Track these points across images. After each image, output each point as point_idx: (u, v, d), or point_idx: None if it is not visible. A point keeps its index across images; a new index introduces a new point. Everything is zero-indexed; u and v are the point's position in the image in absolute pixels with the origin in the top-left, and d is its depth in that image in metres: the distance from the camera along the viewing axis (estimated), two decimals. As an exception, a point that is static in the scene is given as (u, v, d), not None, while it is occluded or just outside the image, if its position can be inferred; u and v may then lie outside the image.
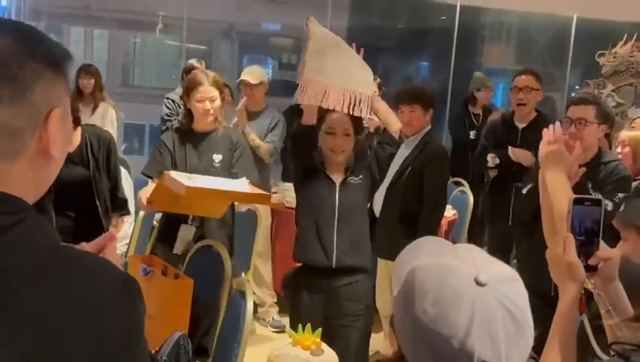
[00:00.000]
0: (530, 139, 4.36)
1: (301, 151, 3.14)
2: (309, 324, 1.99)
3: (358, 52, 3.10)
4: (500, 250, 4.78)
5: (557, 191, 1.58)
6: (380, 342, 4.55)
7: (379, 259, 4.22)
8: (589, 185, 3.23)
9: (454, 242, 4.43)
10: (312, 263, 3.14)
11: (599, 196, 1.56)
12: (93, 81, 5.97)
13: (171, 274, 3.12)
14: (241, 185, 3.37)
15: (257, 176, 3.98)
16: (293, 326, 3.03)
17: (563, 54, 9.13)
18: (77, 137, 3.45)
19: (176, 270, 3.17)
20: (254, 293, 4.27)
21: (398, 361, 1.05)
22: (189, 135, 3.65)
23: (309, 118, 3.04)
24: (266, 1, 11.00)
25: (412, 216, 4.00)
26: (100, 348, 0.88)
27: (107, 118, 5.95)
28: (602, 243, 1.51)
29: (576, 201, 1.52)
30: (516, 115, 4.75)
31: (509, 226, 4.53)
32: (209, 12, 9.72)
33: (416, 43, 11.54)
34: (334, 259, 3.10)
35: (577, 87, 9.12)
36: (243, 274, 4.43)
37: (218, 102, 3.62)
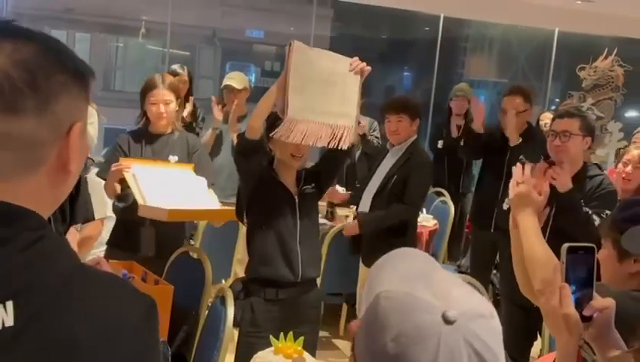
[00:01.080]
0: (521, 149, 4.48)
1: (252, 165, 3.00)
2: (291, 332, 1.98)
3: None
4: (483, 258, 4.82)
5: (528, 233, 1.55)
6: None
7: (362, 268, 4.21)
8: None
9: (435, 253, 4.45)
10: (277, 279, 3.05)
11: (592, 244, 1.52)
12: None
13: (151, 280, 3.09)
14: (207, 197, 3.47)
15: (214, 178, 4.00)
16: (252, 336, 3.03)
17: (544, 67, 9.21)
18: None
19: (156, 276, 3.14)
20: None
21: None
22: (145, 136, 3.63)
23: (257, 132, 2.89)
24: (250, 8, 11.01)
25: (398, 224, 4.02)
26: None
27: (90, 121, 5.90)
28: (595, 293, 1.48)
29: (570, 250, 1.48)
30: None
31: (492, 234, 4.55)
32: (192, 18, 9.71)
33: (400, 53, 11.61)
34: (300, 274, 3.04)
35: (557, 100, 9.21)
36: (223, 281, 4.41)
37: (173, 105, 3.62)
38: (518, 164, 1.75)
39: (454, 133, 6.05)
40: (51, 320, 0.85)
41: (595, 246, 1.50)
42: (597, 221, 3.16)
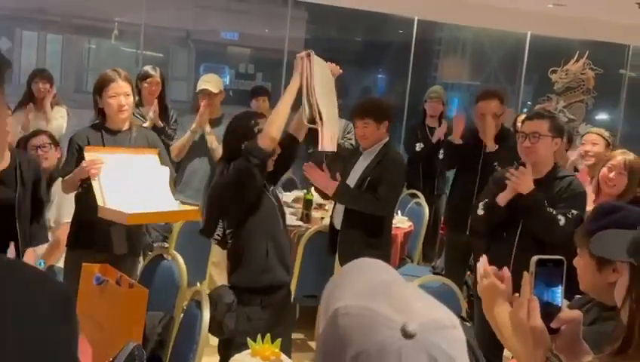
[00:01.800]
0: (495, 153, 4.61)
1: (263, 176, 3.03)
2: (268, 334, 1.98)
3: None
4: (457, 259, 4.86)
5: (505, 330, 1.53)
6: None
7: (337, 269, 4.22)
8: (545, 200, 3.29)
9: (409, 254, 4.46)
10: (275, 283, 3.12)
11: (561, 256, 1.52)
12: (48, 85, 5.85)
13: (126, 284, 3.06)
14: (167, 195, 3.52)
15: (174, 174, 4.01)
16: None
17: (516, 70, 9.32)
18: (6, 158, 3.32)
19: (130, 279, 3.11)
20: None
21: None
22: (103, 133, 3.60)
23: (275, 142, 3.00)
24: (224, 10, 10.97)
25: (374, 225, 4.03)
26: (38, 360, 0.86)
27: (61, 123, 5.83)
28: (564, 306, 1.49)
29: (539, 263, 1.48)
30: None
31: (467, 236, 4.59)
32: (166, 19, 9.64)
33: (374, 56, 11.65)
34: (291, 273, 3.18)
35: (529, 102, 9.31)
36: (198, 284, 4.38)
37: (131, 98, 3.63)
38: (482, 258, 1.68)
39: (436, 138, 6.07)
40: None
41: (564, 259, 1.50)
42: (562, 221, 3.20)
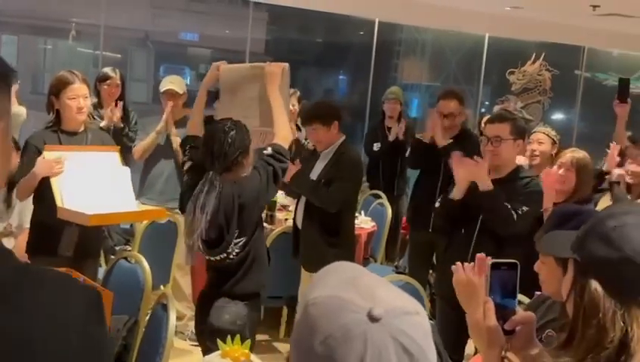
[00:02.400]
0: (453, 149, 4.54)
1: None
2: (237, 336, 1.98)
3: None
4: (420, 256, 4.91)
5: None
6: None
7: (303, 274, 4.23)
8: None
9: (373, 254, 4.49)
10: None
11: (515, 260, 1.57)
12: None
13: (89, 287, 3.03)
14: (129, 195, 3.52)
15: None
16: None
17: (474, 71, 9.45)
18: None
19: (94, 283, 3.08)
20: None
21: None
22: (60, 135, 3.59)
23: None
24: (184, 11, 10.89)
25: (332, 224, 4.05)
26: None
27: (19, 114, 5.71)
28: (518, 308, 1.54)
29: (494, 266, 1.53)
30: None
31: (429, 234, 4.64)
32: (124, 20, 9.54)
33: (335, 57, 11.69)
34: None
35: (487, 102, 9.45)
36: (162, 287, 4.35)
37: (89, 100, 3.65)
38: (457, 265, 1.70)
39: (393, 136, 6.14)
40: (4, 324, 0.83)
41: (517, 263, 1.54)
42: (514, 216, 3.29)
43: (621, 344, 1.24)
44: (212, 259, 3.03)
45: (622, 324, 1.24)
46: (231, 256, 3.02)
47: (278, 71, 3.29)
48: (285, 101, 3.33)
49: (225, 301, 3.05)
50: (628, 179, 4.09)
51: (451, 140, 4.68)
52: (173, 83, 4.96)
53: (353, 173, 4.18)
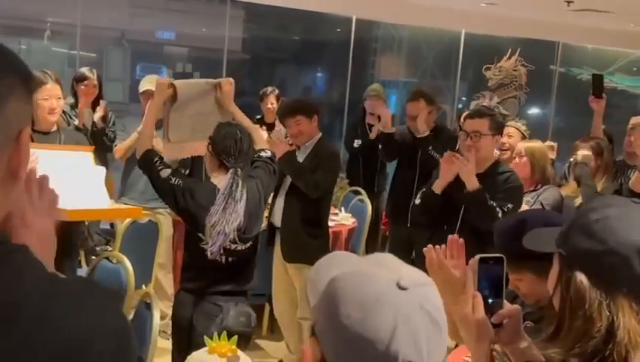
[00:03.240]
0: (429, 143, 4.77)
1: None
2: (224, 332, 2.00)
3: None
4: (400, 252, 4.96)
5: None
6: (283, 350, 4.58)
7: (276, 260, 4.27)
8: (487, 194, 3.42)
9: (354, 250, 4.57)
10: None
11: (501, 254, 1.60)
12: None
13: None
14: (102, 194, 3.50)
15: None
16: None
17: (451, 67, 9.52)
18: None
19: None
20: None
21: None
22: (32, 134, 3.58)
23: None
24: (160, 9, 10.84)
25: (313, 216, 4.11)
26: None
27: None
28: (505, 301, 1.57)
29: (482, 261, 1.56)
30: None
31: (408, 229, 4.70)
32: (100, 19, 9.47)
33: (313, 54, 11.71)
34: None
35: (464, 98, 9.53)
36: (144, 286, 4.34)
37: (62, 100, 3.71)
38: (428, 247, 1.73)
39: (374, 133, 6.19)
40: (36, 341, 0.83)
41: (504, 257, 1.58)
42: (500, 213, 3.34)
43: (608, 333, 1.26)
44: (232, 249, 3.09)
45: (608, 314, 1.27)
46: (241, 250, 3.13)
47: (230, 88, 3.42)
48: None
49: (236, 301, 3.12)
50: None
51: (428, 132, 4.79)
52: (152, 83, 4.92)
53: (333, 164, 4.31)
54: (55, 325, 0.85)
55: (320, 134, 4.30)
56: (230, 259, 3.11)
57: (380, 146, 5.35)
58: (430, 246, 1.71)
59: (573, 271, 1.32)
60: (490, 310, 1.52)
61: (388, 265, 1.07)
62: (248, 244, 3.14)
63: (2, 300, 0.82)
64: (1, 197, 0.91)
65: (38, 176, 1.10)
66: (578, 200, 4.36)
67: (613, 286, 1.29)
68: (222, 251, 3.05)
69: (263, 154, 3.31)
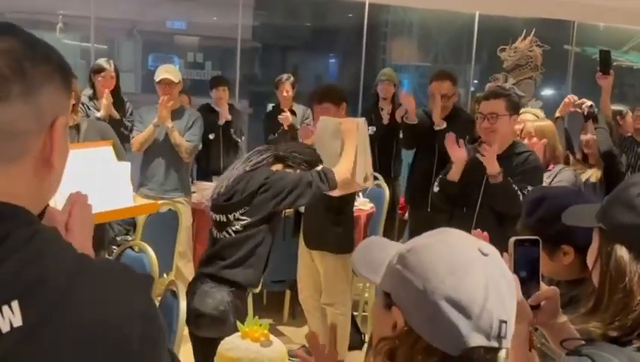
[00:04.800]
0: (446, 132, 4.61)
1: None
2: (256, 317, 2.01)
3: None
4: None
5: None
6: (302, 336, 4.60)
7: (301, 248, 4.26)
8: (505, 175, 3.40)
9: (372, 235, 4.54)
10: None
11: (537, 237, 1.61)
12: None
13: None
14: (127, 190, 3.45)
15: None
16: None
17: (464, 50, 9.45)
18: None
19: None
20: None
21: (406, 337, 1.09)
22: None
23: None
24: (170, -1, 10.85)
25: (337, 204, 4.09)
26: (134, 356, 0.89)
27: None
28: (542, 283, 1.56)
29: (517, 243, 1.56)
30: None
31: (428, 213, 4.69)
32: (111, 11, 9.48)
33: (324, 41, 11.67)
34: None
35: (476, 81, 9.47)
36: (165, 275, 4.37)
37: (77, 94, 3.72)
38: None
39: (385, 120, 6.16)
40: (61, 316, 0.84)
41: (539, 239, 1.59)
42: (521, 196, 3.32)
43: None
44: (218, 221, 3.01)
45: None
46: (231, 229, 3.00)
47: (352, 127, 3.37)
48: (363, 155, 3.46)
49: (210, 285, 2.98)
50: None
51: (445, 125, 4.75)
52: (168, 72, 4.91)
53: None
54: (80, 303, 0.86)
55: None
56: (218, 236, 3.03)
57: (401, 136, 5.34)
58: (477, 231, 1.72)
59: (613, 245, 1.34)
60: (527, 292, 1.52)
61: (461, 236, 1.15)
62: (235, 228, 3.00)
63: (28, 278, 0.83)
64: (36, 185, 0.94)
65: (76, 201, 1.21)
66: (584, 176, 4.42)
67: None
68: (211, 214, 3.05)
69: (316, 168, 3.15)
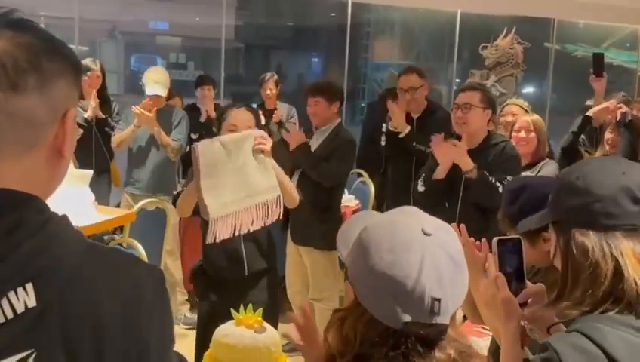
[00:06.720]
0: (424, 125, 4.69)
1: None
2: (250, 304, 2.04)
3: None
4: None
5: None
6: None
7: (289, 245, 4.29)
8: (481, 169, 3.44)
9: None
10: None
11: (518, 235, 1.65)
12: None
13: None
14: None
15: None
16: (202, 318, 3.09)
17: (446, 48, 9.50)
18: None
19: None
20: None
21: (355, 308, 1.17)
22: None
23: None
24: (152, -1, 10.82)
25: (324, 202, 4.13)
26: (143, 344, 0.92)
27: None
28: (527, 281, 1.60)
29: (500, 242, 1.60)
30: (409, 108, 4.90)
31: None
32: (94, 11, 9.43)
33: (307, 40, 11.69)
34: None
35: (458, 80, 9.53)
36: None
37: None
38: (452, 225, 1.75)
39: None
40: (73, 299, 0.88)
41: (521, 238, 1.64)
42: (500, 188, 3.35)
43: (615, 274, 1.31)
44: None
45: (611, 256, 1.32)
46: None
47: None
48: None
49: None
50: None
51: (408, 128, 4.70)
52: (157, 84, 4.86)
53: (349, 152, 4.35)
54: (90, 284, 0.90)
55: (339, 120, 4.34)
56: None
57: (383, 141, 5.28)
58: (454, 224, 1.73)
59: (570, 232, 1.38)
60: (513, 291, 1.54)
61: (412, 214, 1.22)
62: None
63: (42, 262, 0.87)
64: (47, 174, 0.97)
65: None
66: None
67: (611, 229, 1.34)
68: None
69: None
